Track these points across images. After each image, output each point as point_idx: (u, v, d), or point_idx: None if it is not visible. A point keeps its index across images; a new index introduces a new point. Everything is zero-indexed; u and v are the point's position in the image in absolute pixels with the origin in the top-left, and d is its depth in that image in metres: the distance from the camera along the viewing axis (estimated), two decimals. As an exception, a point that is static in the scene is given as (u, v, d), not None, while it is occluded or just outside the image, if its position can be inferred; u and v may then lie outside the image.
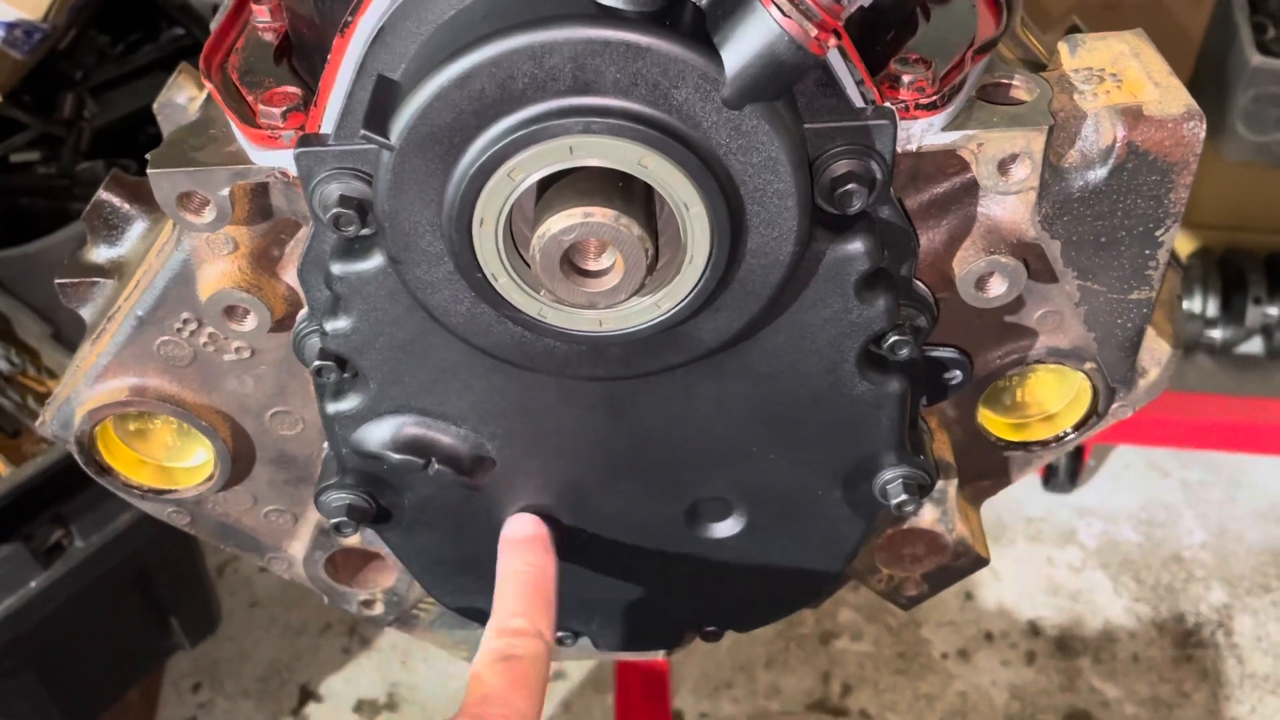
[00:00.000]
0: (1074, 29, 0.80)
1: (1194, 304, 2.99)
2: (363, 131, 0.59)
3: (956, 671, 2.61)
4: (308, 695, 2.55)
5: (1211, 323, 3.02)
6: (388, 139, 0.59)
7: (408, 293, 0.68)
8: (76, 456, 0.86)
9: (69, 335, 1.96)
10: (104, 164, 2.63)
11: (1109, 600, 2.74)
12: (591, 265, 0.62)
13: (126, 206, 0.88)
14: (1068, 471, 2.89)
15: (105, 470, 0.87)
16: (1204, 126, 0.67)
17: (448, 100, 0.58)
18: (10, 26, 2.23)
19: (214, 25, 0.81)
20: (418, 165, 0.60)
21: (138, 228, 0.89)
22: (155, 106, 0.98)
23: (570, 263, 0.61)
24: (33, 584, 1.72)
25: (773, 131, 0.59)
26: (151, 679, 2.40)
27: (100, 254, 0.90)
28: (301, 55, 0.74)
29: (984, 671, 2.60)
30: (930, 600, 0.97)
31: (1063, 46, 0.74)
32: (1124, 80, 0.71)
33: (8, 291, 2.00)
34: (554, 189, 0.61)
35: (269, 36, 0.77)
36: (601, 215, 0.59)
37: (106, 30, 2.82)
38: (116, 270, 0.89)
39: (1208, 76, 2.68)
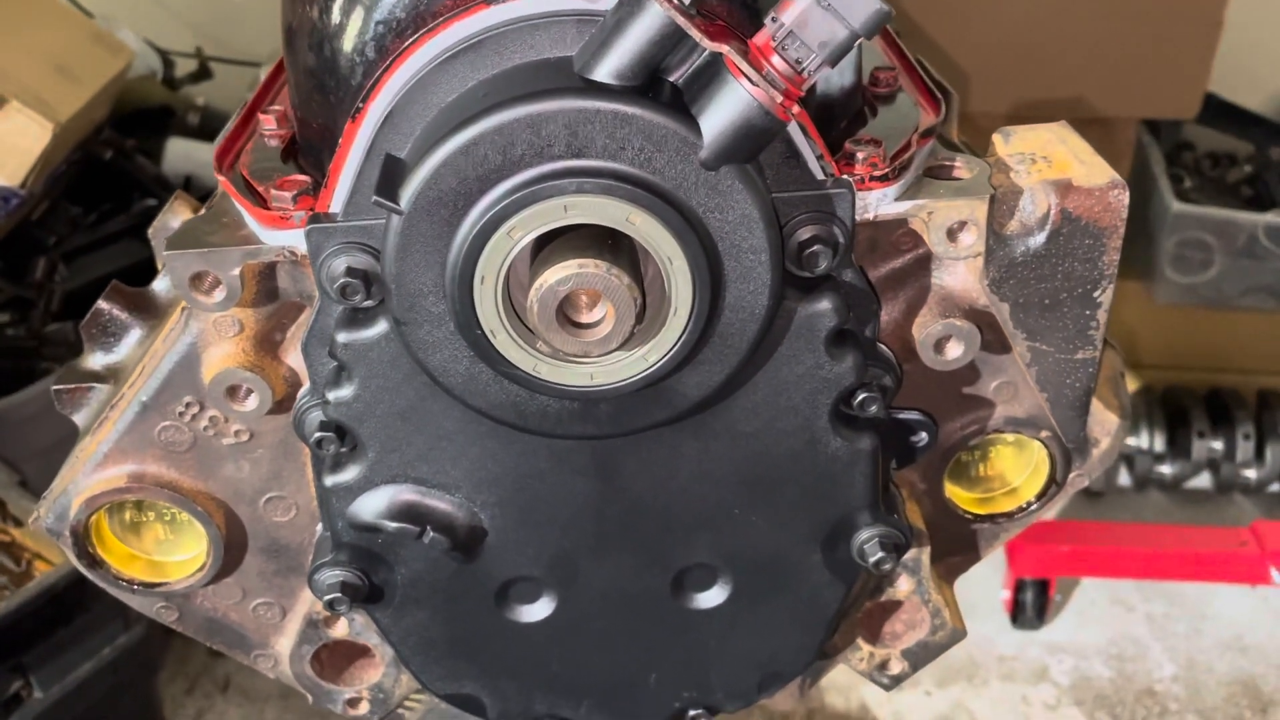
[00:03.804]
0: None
1: (1141, 441, 3.09)
2: (375, 198, 0.65)
3: (940, 817, 2.54)
4: None
5: (1160, 458, 3.12)
6: (398, 204, 0.65)
7: (408, 359, 0.73)
8: (69, 550, 0.87)
9: (34, 483, 1.96)
10: (74, 325, 2.67)
11: (1086, 737, 2.72)
12: (585, 318, 0.67)
13: (124, 315, 0.93)
14: (1035, 608, 2.91)
15: (97, 563, 0.88)
16: (1127, 194, 0.75)
17: (453, 166, 0.64)
18: (-12, 193, 2.31)
19: (223, 134, 0.87)
20: (424, 228, 0.66)
21: (134, 335, 0.93)
22: (150, 231, 1.04)
23: (565, 316, 0.66)
24: (-13, 738, 1.66)
25: (746, 190, 0.66)
26: None
27: (96, 360, 0.94)
28: (308, 153, 0.81)
29: (968, 816, 2.54)
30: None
31: (997, 137, 0.83)
32: (1053, 161, 0.79)
33: (-26, 443, 2.00)
34: (548, 248, 0.67)
35: (274, 142, 0.84)
36: (594, 267, 0.64)
37: (79, 201, 2.91)
38: (112, 376, 0.92)
39: (1133, 227, 2.85)
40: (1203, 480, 3.16)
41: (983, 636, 2.92)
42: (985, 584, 2.87)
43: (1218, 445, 3.06)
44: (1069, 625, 2.97)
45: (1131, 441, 3.08)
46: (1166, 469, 3.11)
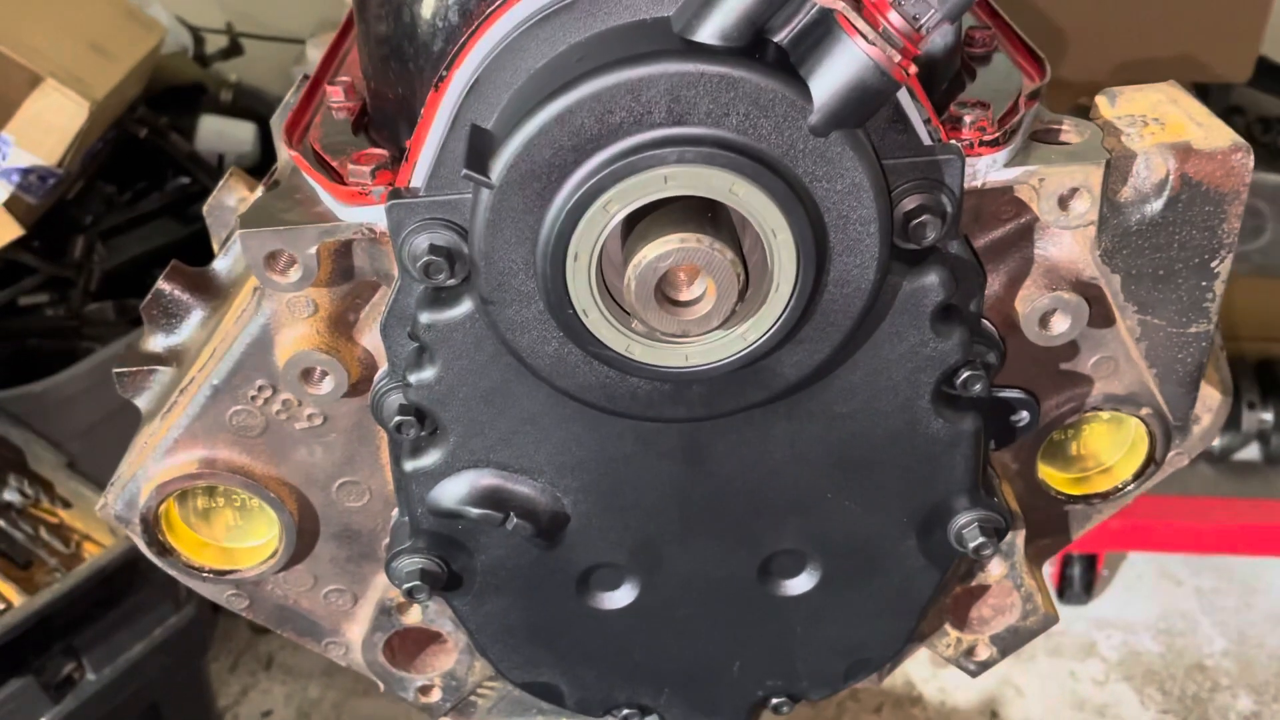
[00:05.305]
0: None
1: (1189, 412, 3.03)
2: (465, 171, 0.62)
3: (989, 793, 2.52)
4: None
5: (1208, 430, 3.05)
6: (488, 178, 0.62)
7: (493, 339, 0.70)
8: (138, 538, 0.85)
9: (84, 466, 1.95)
10: (113, 305, 2.67)
11: (1136, 713, 2.68)
12: (684, 295, 0.63)
13: (185, 296, 0.90)
14: (1083, 583, 2.87)
15: (167, 551, 0.86)
16: (1251, 157, 0.71)
17: (548, 136, 0.61)
18: (25, 172, 2.29)
19: (285, 107, 0.84)
20: (515, 203, 0.63)
21: (196, 316, 0.90)
22: (205, 209, 1.01)
23: (663, 293, 0.63)
24: (42, 720, 1.66)
25: (856, 157, 0.62)
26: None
27: (158, 343, 0.91)
28: (381, 125, 0.77)
29: (1017, 792, 2.52)
30: (954, 720, 0.95)
31: (1101, 99, 0.79)
32: (1166, 123, 0.75)
33: (21, 424, 2.00)
34: (645, 221, 0.63)
35: (343, 114, 0.80)
36: (696, 241, 0.61)
37: (114, 180, 2.89)
38: (174, 358, 0.90)
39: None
40: (1252, 452, 3.09)
41: (1030, 612, 2.89)
42: (1032, 559, 2.83)
43: (1268, 416, 2.99)
44: (1117, 600, 2.93)
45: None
46: (1216, 440, 3.05)
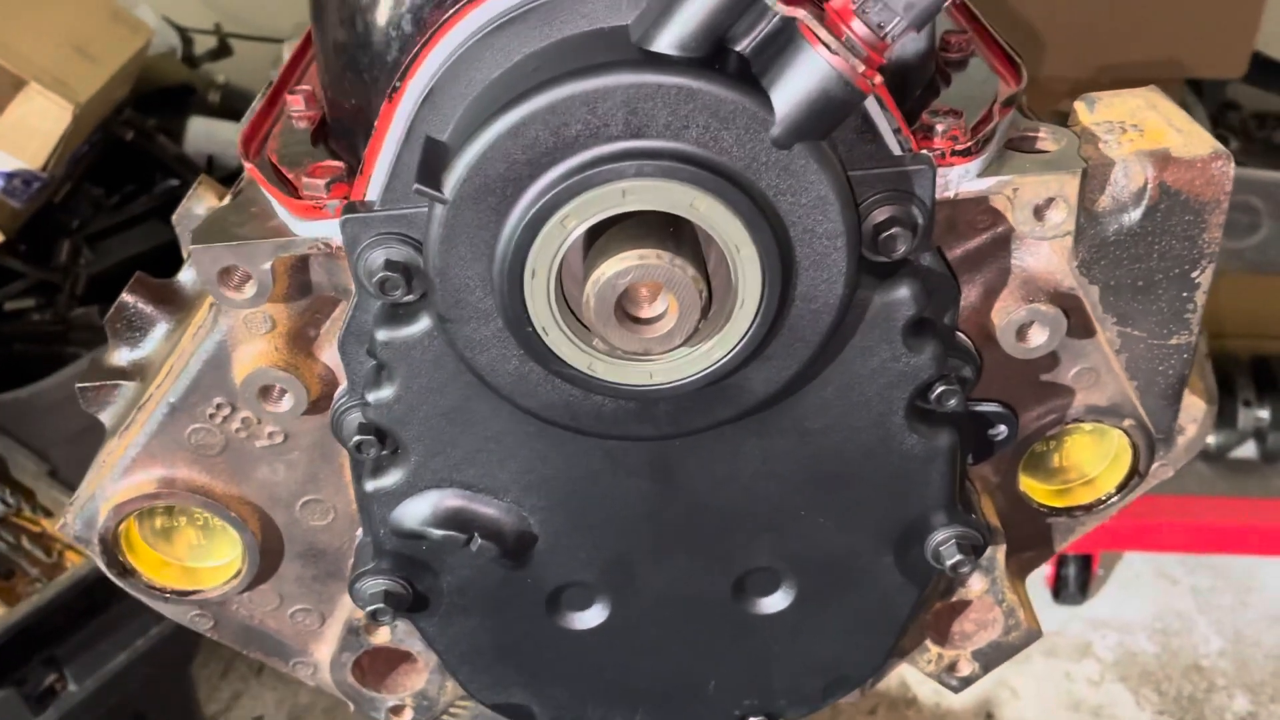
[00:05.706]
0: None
1: (1185, 410, 3.01)
2: (416, 186, 0.60)
3: (984, 797, 2.50)
4: None
5: (1204, 427, 3.04)
6: (441, 192, 0.60)
7: (453, 357, 0.68)
8: (98, 558, 0.83)
9: (66, 474, 1.93)
10: (99, 309, 2.65)
11: (1132, 714, 2.66)
12: (645, 313, 0.62)
13: (149, 309, 0.88)
14: (1078, 582, 2.85)
15: (128, 572, 0.84)
16: (1232, 165, 0.69)
17: (502, 150, 0.59)
18: (9, 176, 2.27)
19: (250, 114, 0.82)
20: (470, 218, 0.61)
21: (160, 329, 0.88)
22: (175, 218, 0.99)
23: (624, 310, 0.61)
24: (23, 733, 1.64)
25: (821, 170, 0.60)
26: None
27: (122, 356, 0.89)
28: (340, 135, 0.75)
29: (1012, 795, 2.50)
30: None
31: (1079, 105, 0.77)
32: (1145, 130, 0.73)
33: (3, 432, 1.98)
34: (605, 237, 0.61)
35: (303, 124, 0.78)
36: (656, 258, 0.59)
37: (101, 183, 2.87)
38: (138, 372, 0.88)
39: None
40: (1248, 449, 3.08)
41: (1025, 613, 2.87)
42: (1027, 559, 2.81)
43: (1264, 414, 2.98)
44: (1112, 600, 2.91)
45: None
46: (1211, 438, 3.03)
